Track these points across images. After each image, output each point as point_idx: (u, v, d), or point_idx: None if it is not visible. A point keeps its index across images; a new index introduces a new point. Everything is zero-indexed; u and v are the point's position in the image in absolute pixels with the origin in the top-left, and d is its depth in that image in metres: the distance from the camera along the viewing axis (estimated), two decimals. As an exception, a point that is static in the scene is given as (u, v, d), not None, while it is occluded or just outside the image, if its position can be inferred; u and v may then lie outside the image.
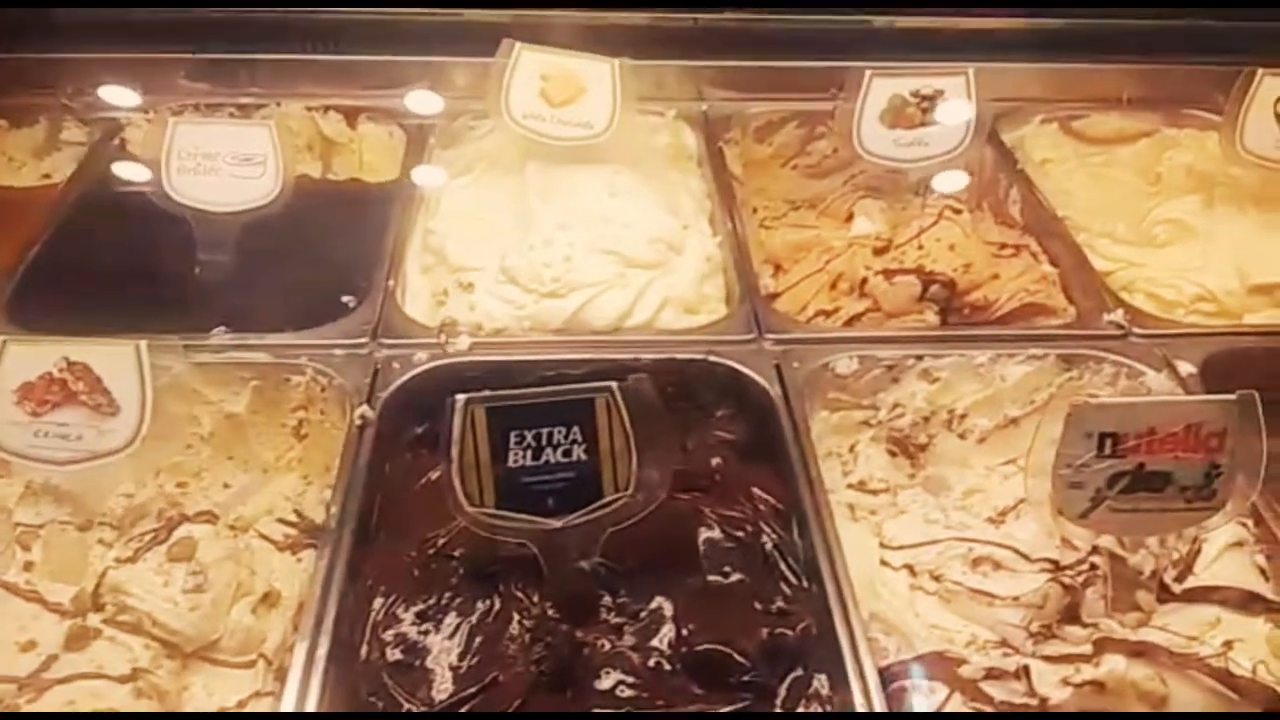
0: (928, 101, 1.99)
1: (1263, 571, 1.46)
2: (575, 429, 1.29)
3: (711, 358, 1.83)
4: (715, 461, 1.63)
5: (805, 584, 1.45)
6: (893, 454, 1.83)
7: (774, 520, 1.54)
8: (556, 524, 1.30)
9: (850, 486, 1.76)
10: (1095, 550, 1.39)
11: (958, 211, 2.07)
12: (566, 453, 1.29)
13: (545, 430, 1.28)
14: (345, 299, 1.92)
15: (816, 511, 1.54)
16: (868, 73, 1.99)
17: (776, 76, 2.60)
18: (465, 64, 2.48)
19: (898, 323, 1.97)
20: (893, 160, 2.07)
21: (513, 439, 1.28)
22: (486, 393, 1.28)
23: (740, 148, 2.53)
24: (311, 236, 2.08)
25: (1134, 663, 1.24)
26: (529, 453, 1.29)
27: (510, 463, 1.29)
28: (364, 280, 1.96)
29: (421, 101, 2.49)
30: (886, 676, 1.34)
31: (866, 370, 1.85)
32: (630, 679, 1.24)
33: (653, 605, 1.33)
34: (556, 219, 1.95)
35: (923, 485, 1.75)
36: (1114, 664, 1.24)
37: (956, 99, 2.00)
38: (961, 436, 1.82)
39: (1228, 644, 1.28)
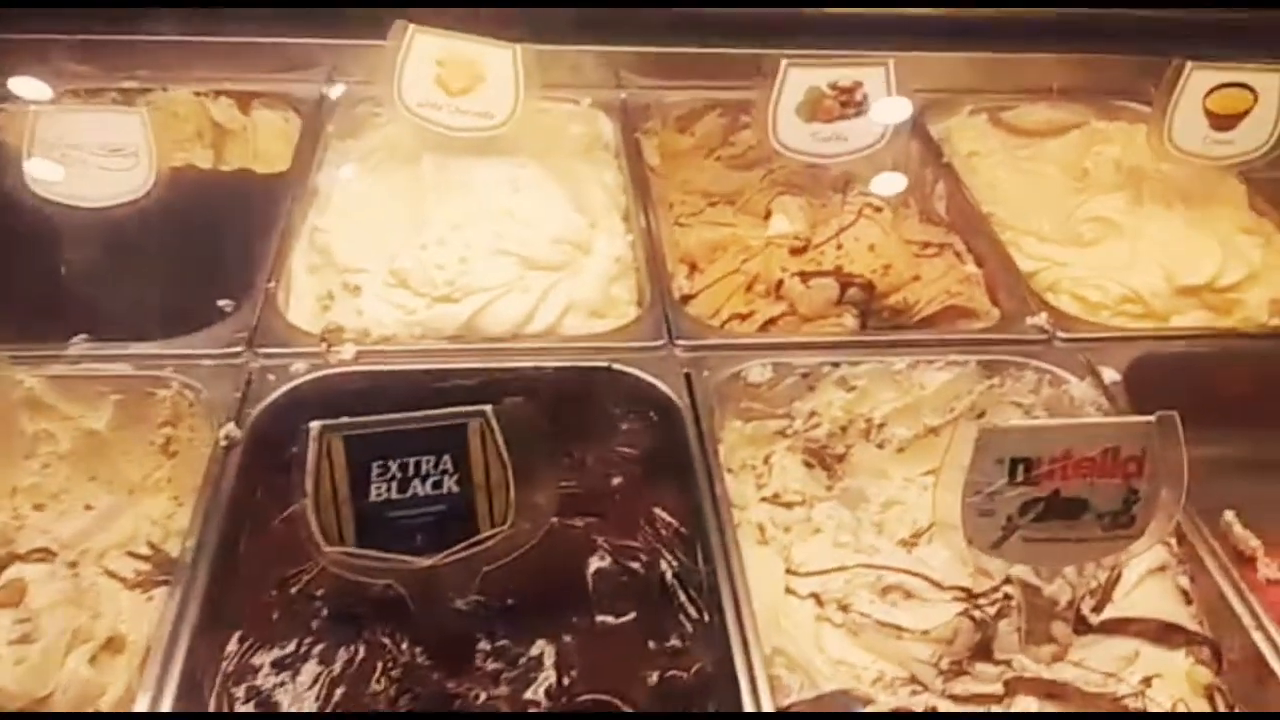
0: (846, 94, 1.88)
1: (1185, 595, 1.39)
2: (445, 458, 1.17)
3: (616, 366, 1.71)
4: (615, 481, 1.53)
5: (705, 617, 1.35)
6: (809, 465, 1.75)
7: (674, 546, 1.43)
8: (425, 562, 1.18)
9: (764, 500, 1.67)
10: (1009, 580, 1.30)
11: (878, 209, 1.98)
12: (436, 484, 1.17)
13: (412, 460, 1.16)
14: (222, 303, 1.78)
15: (721, 535, 1.44)
16: (783, 63, 1.89)
17: (698, 62, 2.49)
18: (367, 46, 2.30)
19: (815, 327, 1.87)
20: (810, 155, 1.96)
21: (375, 470, 1.16)
22: (345, 419, 1.15)
23: (660, 138, 2.42)
24: (190, 233, 1.93)
25: (1046, 703, 1.16)
26: (394, 485, 1.16)
27: (373, 497, 1.16)
28: (245, 282, 1.81)
29: (319, 86, 2.35)
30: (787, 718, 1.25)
31: (781, 378, 1.75)
32: (503, 734, 1.13)
33: (533, 650, 1.22)
34: (452, 217, 1.82)
35: (839, 498, 1.67)
36: (1025, 706, 1.15)
37: (877, 91, 1.90)
38: (880, 446, 1.75)
39: (1146, 680, 1.21)
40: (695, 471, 1.55)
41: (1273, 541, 1.63)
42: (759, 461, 1.74)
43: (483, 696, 1.17)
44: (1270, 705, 1.30)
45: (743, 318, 1.89)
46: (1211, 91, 1.93)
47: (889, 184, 2.18)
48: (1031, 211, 2.12)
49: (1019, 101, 2.49)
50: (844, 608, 1.37)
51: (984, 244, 2.07)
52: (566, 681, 1.18)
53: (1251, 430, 1.83)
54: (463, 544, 1.18)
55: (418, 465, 1.17)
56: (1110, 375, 1.75)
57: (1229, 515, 1.61)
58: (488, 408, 1.18)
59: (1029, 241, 2.08)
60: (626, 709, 1.16)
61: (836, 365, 1.77)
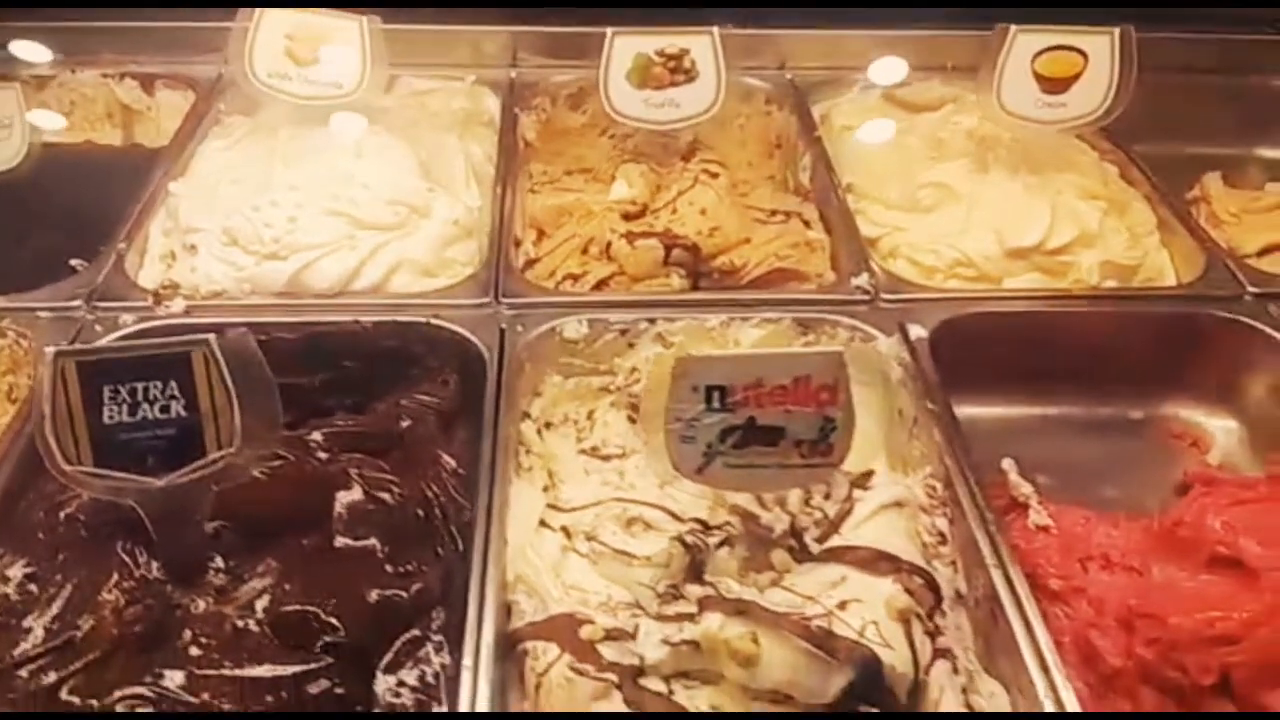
0: (674, 61, 1.94)
1: (920, 535, 1.42)
2: (172, 384, 1.25)
3: (434, 321, 1.79)
4: (404, 425, 1.59)
5: (457, 547, 1.41)
6: (633, 420, 1.79)
7: (444, 484, 1.50)
8: (158, 482, 1.26)
9: (582, 452, 1.72)
10: (733, 509, 1.35)
11: (714, 175, 2.03)
12: (164, 409, 1.25)
13: (140, 385, 1.24)
14: (75, 263, 1.88)
15: (492, 475, 1.51)
16: (609, 31, 1.95)
17: (588, 42, 2.56)
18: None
19: (644, 286, 1.93)
20: (645, 121, 2.02)
21: (106, 394, 1.24)
22: (79, 345, 1.24)
23: (548, 114, 2.49)
24: (62, 202, 2.05)
25: (730, 621, 1.20)
26: (124, 408, 1.24)
27: (106, 419, 1.24)
28: (104, 245, 1.92)
29: (218, 67, 2.45)
30: (508, 639, 1.31)
31: (598, 335, 1.81)
32: (209, 640, 1.20)
33: (260, 568, 1.29)
34: (292, 180, 1.91)
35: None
36: (709, 622, 1.20)
37: (703, 58, 1.95)
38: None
39: (842, 604, 1.24)
40: (486, 419, 1.61)
41: (1054, 493, 1.66)
42: (582, 416, 1.79)
43: (202, 606, 1.24)
44: (1000, 637, 1.33)
45: (575, 278, 1.95)
46: (1039, 55, 1.95)
47: (751, 151, 2.24)
48: (886, 180, 2.15)
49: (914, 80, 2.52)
50: (591, 539, 1.42)
51: (835, 212, 2.11)
52: (280, 595, 1.25)
53: (1051, 388, 1.87)
54: (191, 466, 1.26)
55: (146, 390, 1.25)
56: (917, 332, 1.78)
57: (1006, 463, 1.64)
58: (210, 336, 1.25)
59: (876, 209, 2.11)
60: (332, 621, 1.22)
61: (653, 322, 1.82)
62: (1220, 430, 1.91)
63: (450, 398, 1.69)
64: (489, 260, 1.92)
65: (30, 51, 2.51)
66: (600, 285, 1.94)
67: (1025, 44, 1.94)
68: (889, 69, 2.53)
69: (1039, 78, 1.96)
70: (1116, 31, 1.95)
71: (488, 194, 2.10)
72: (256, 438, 1.27)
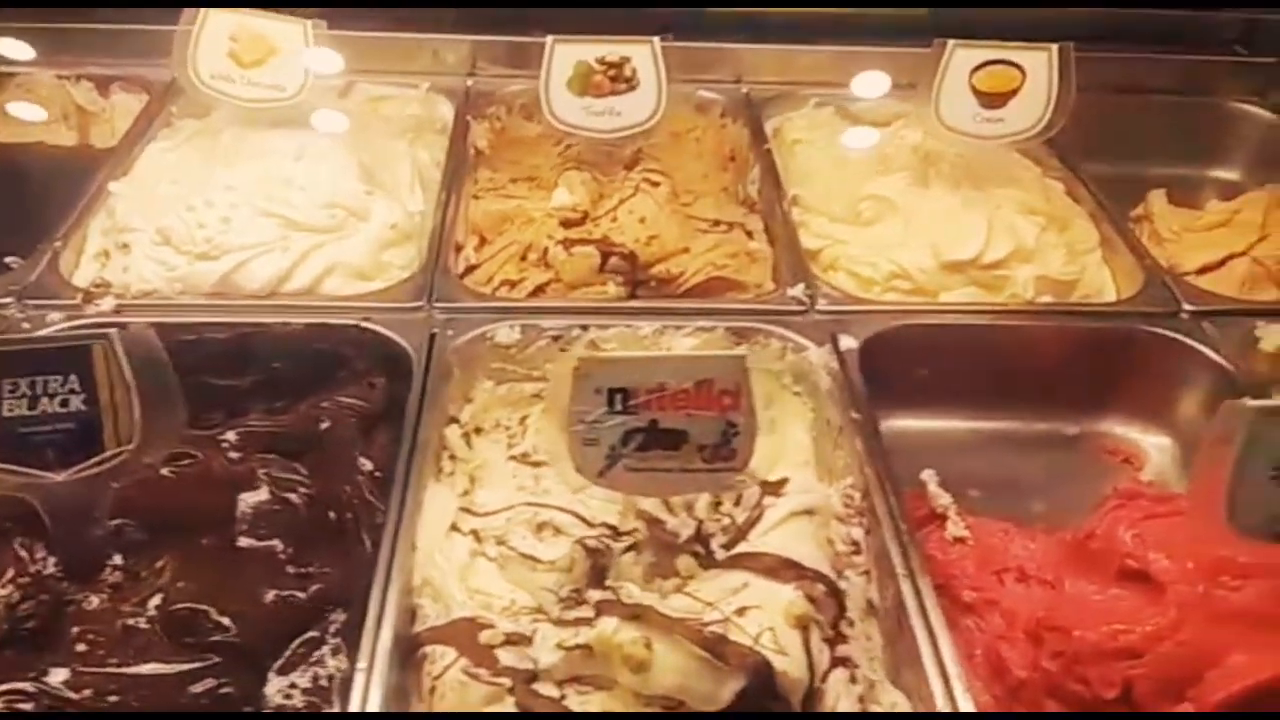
0: (615, 69, 1.94)
1: (831, 543, 1.42)
2: (72, 378, 1.24)
3: (365, 324, 1.78)
4: (323, 426, 1.59)
5: (365, 550, 1.40)
6: (566, 428, 1.79)
7: (359, 486, 1.49)
8: (56, 477, 1.25)
9: (512, 459, 1.71)
10: (640, 514, 1.34)
11: (655, 184, 2.03)
12: (64, 403, 1.24)
13: (40, 378, 1.24)
14: (9, 260, 1.88)
15: (407, 479, 1.50)
16: (549, 39, 1.95)
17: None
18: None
19: (580, 294, 1.93)
20: (585, 129, 2.02)
21: (6, 387, 1.23)
22: (-21, 338, 1.23)
23: (503, 123, 2.49)
24: (5, 201, 2.05)
25: (625, 626, 1.19)
26: (24, 402, 1.24)
27: (5, 412, 1.24)
28: (43, 244, 1.92)
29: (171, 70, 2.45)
30: (407, 642, 1.30)
31: (531, 340, 1.81)
32: (97, 637, 1.19)
33: (157, 565, 1.28)
34: (230, 181, 1.90)
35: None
36: (603, 627, 1.19)
37: (644, 67, 1.96)
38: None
39: (741, 610, 1.23)
40: (409, 422, 1.60)
41: (983, 507, 1.65)
42: (514, 422, 1.79)
43: (95, 603, 1.23)
44: (905, 647, 1.33)
45: (512, 284, 1.95)
46: (977, 69, 1.95)
47: (694, 161, 2.24)
48: (829, 194, 2.15)
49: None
50: (501, 543, 1.41)
51: (779, 224, 2.11)
52: (174, 593, 1.24)
53: (986, 402, 1.87)
54: (89, 461, 1.25)
55: (46, 384, 1.24)
56: (848, 343, 1.78)
57: (926, 474, 1.63)
58: (112, 330, 1.25)
59: (820, 221, 2.12)
60: (222, 620, 1.21)
61: (585, 329, 1.82)
62: (1154, 447, 1.90)
63: (376, 401, 1.69)
64: (426, 264, 1.92)
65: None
66: (537, 292, 1.94)
67: (963, 59, 1.95)
68: (848, 84, 2.54)
69: (977, 93, 1.97)
70: (1055, 48, 1.96)
71: (433, 200, 2.10)
72: (158, 434, 1.26)
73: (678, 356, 1.24)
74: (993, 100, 1.96)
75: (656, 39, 1.95)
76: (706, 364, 1.23)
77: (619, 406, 1.23)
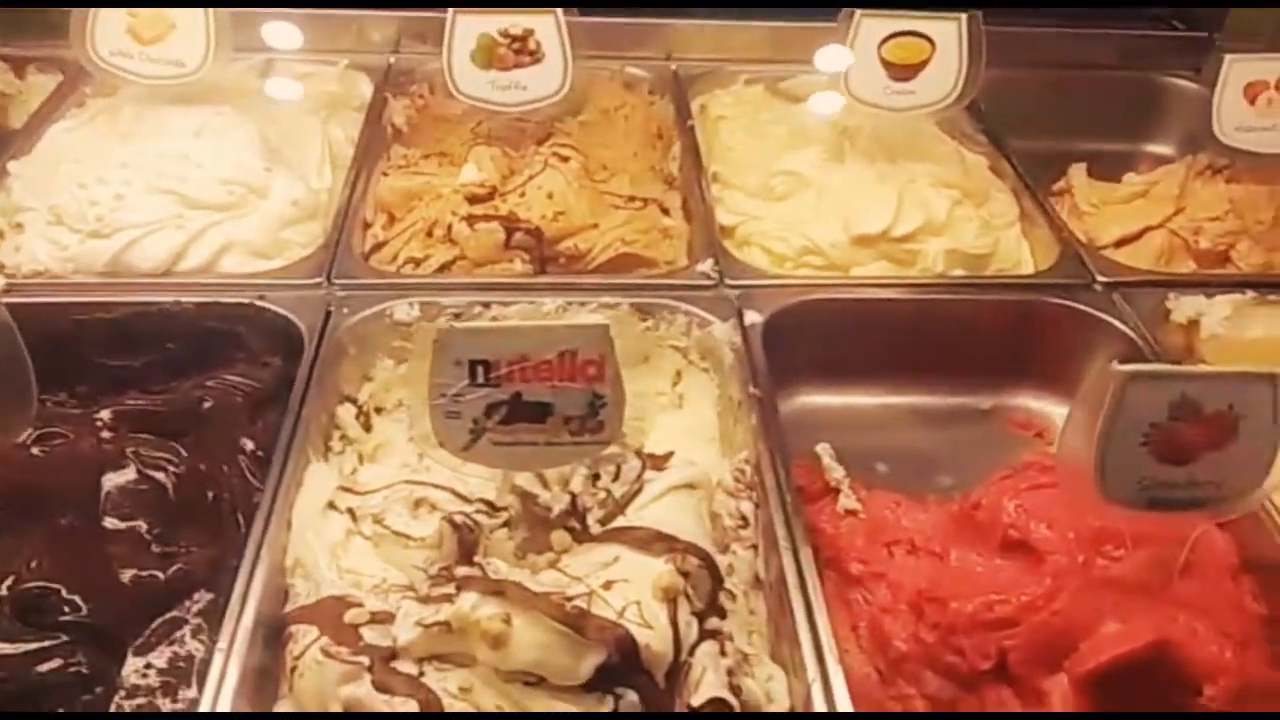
0: (518, 42, 1.91)
1: (718, 517, 1.40)
2: (-81, 359, 1.21)
3: (259, 303, 1.75)
4: (206, 405, 1.55)
5: (237, 528, 1.37)
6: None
7: (239, 466, 1.46)
8: (-94, 457, 1.22)
9: (411, 439, 1.68)
10: (514, 489, 1.32)
11: (565, 159, 2.00)
12: (-87, 384, 1.21)
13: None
14: (-101, 244, 1.84)
15: (286, 458, 1.47)
16: (451, 11, 1.92)
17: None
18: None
19: (486, 271, 1.90)
20: (492, 104, 1.99)
21: None
22: None
23: (425, 101, 2.45)
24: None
25: (485, 601, 1.17)
26: (-128, 383, 1.20)
27: None
28: (-60, 226, 1.88)
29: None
30: (275, 622, 1.27)
31: (431, 318, 1.77)
32: (-58, 617, 1.16)
33: (14, 545, 1.25)
34: (126, 158, 1.87)
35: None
36: (462, 603, 1.17)
37: (548, 39, 1.92)
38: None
39: (607, 584, 1.21)
40: (292, 401, 1.57)
41: (890, 481, 1.64)
42: (418, 403, 1.75)
43: (-55, 585, 1.20)
44: (785, 621, 1.31)
45: (417, 262, 1.92)
46: (886, 41, 1.93)
47: (613, 138, 2.22)
48: (746, 169, 2.13)
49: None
50: (377, 521, 1.38)
51: (695, 201, 2.09)
52: (26, 573, 1.21)
53: (897, 377, 1.86)
54: (-61, 441, 1.22)
55: (-105, 362, 1.20)
56: (752, 318, 1.76)
57: (821, 447, 1.61)
58: (-39, 309, 1.21)
59: (737, 197, 2.09)
60: (74, 599, 1.18)
61: (488, 306, 1.79)
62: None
63: (267, 380, 1.66)
64: (328, 242, 1.89)
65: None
66: (443, 269, 1.91)
67: (871, 29, 1.93)
68: (779, 60, 2.52)
69: (887, 64, 1.94)
70: (964, 17, 1.93)
71: (343, 178, 2.06)
72: (8, 413, 1.23)
73: (539, 326, 1.21)
74: (903, 72, 1.94)
75: (559, 10, 1.91)
76: (569, 334, 1.20)
77: (480, 379, 1.20)
